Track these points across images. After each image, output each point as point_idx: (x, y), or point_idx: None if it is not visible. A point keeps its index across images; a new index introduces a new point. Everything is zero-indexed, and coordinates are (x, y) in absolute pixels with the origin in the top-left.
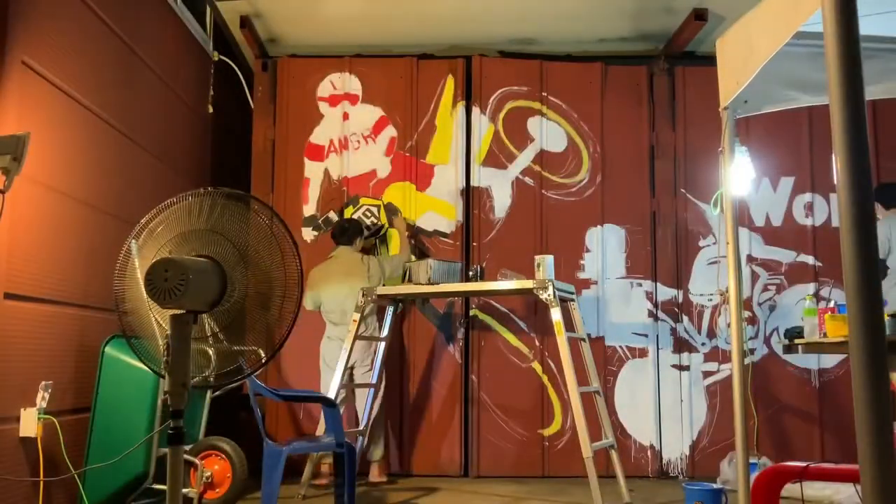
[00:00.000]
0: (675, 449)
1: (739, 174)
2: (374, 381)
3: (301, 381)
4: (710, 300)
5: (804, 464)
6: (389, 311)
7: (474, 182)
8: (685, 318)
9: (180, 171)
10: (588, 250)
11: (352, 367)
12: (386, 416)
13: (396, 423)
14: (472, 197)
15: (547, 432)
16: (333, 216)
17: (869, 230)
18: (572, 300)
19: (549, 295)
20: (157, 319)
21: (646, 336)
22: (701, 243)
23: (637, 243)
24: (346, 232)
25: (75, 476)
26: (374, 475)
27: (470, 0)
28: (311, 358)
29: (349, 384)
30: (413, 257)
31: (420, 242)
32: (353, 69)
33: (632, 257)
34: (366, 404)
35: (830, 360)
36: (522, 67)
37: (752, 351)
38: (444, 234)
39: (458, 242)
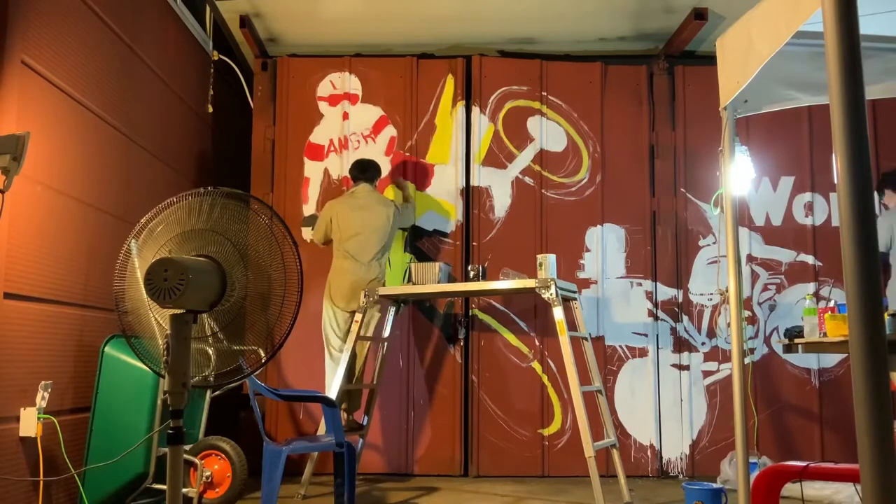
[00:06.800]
0: (675, 448)
1: (739, 174)
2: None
3: (301, 381)
4: (710, 300)
5: (804, 463)
6: (391, 311)
7: (474, 182)
8: (685, 318)
9: (180, 171)
10: (588, 250)
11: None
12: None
13: (397, 423)
14: (471, 196)
15: (547, 432)
16: None
17: (869, 229)
18: (574, 299)
19: (551, 294)
20: (157, 319)
21: (646, 336)
22: (701, 243)
23: (637, 243)
24: (368, 169)
25: (75, 476)
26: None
27: (470, 0)
28: (312, 358)
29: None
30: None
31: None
32: (352, 69)
33: (632, 257)
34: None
35: (830, 360)
36: (522, 67)
37: (752, 350)
38: (444, 234)
39: (458, 242)
